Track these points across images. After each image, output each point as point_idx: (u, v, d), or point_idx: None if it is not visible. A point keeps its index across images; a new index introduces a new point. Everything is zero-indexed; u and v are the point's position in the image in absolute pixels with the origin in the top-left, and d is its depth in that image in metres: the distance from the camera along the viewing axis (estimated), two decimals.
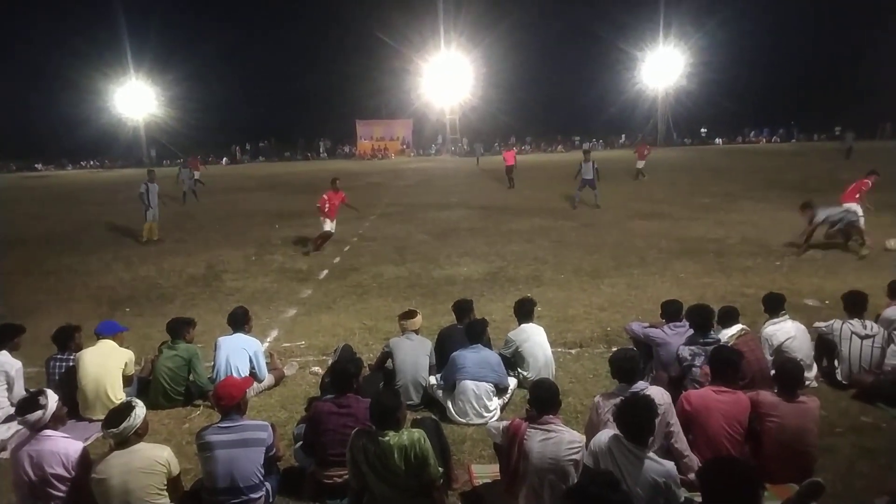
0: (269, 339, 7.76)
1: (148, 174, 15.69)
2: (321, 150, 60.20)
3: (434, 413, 5.50)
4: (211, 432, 4.06)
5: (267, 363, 6.37)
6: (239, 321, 6.26)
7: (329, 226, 13.01)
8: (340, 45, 56.60)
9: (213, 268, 11.80)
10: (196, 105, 52.61)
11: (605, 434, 3.64)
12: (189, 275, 11.33)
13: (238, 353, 6.02)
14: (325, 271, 11.30)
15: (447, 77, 53.53)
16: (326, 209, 12.92)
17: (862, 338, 5.76)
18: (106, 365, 5.71)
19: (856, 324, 5.85)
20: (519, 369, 6.06)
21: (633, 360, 4.40)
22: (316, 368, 6.66)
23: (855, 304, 5.97)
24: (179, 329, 6.10)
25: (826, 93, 53.17)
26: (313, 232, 15.13)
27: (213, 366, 6.09)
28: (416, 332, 5.98)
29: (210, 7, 63.24)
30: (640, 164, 25.93)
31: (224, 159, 55.35)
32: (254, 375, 6.07)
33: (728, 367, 4.47)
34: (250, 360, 6.06)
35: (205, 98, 53.09)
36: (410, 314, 6.06)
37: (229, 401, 4.14)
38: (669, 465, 3.52)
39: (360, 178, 32.04)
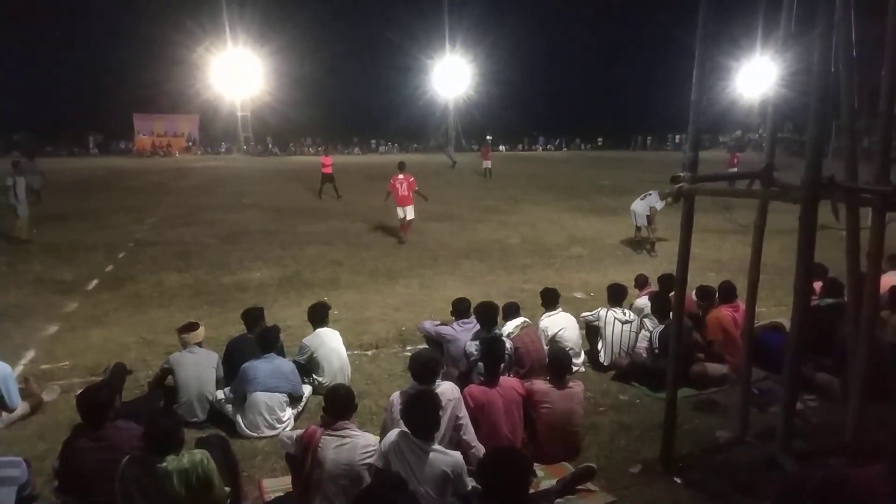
0: (23, 362, 6.77)
1: (14, 166, 13.91)
2: (91, 146, 53.74)
3: (222, 428, 5.19)
4: None
5: (21, 389, 5.54)
6: None
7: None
8: (112, 29, 50.88)
9: None
10: None
11: (394, 433, 3.72)
12: None
13: None
14: (95, 281, 10.12)
15: (237, 73, 50.85)
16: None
17: (622, 323, 6.59)
18: None
19: (617, 311, 6.69)
20: (314, 375, 5.96)
21: (434, 362, 4.52)
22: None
23: (616, 294, 6.85)
24: None
25: (589, 108, 60.18)
26: (71, 236, 13.56)
27: None
28: (200, 344, 5.60)
29: None
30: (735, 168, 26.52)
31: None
32: (2, 404, 5.24)
33: (497, 361, 4.87)
34: None
35: None
36: (191, 326, 5.65)
37: None
38: (456, 455, 3.69)
39: (138, 177, 29.24)
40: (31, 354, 7.04)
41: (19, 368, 6.48)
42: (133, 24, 48.97)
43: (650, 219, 12.44)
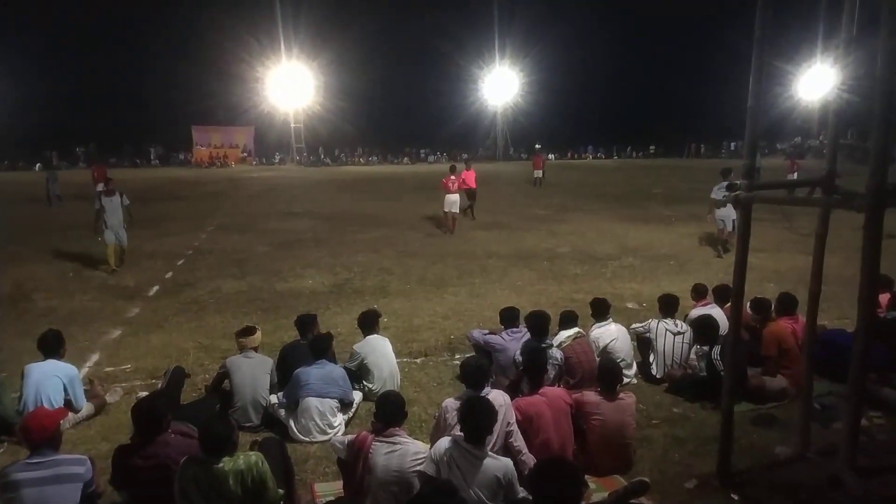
0: (88, 364, 7.05)
1: (105, 184, 11.98)
2: (152, 157, 55.97)
3: (275, 433, 5.30)
4: (17, 469, 3.62)
5: (86, 390, 5.79)
6: (50, 346, 5.60)
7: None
8: (174, 45, 52.83)
9: (21, 286, 10.49)
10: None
11: (444, 441, 3.74)
12: None
13: (50, 380, 5.39)
14: (156, 287, 10.51)
15: (290, 85, 52.18)
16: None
17: (675, 334, 6.44)
18: None
19: (669, 322, 6.54)
20: (364, 382, 6.03)
21: (483, 369, 4.57)
22: (144, 394, 6.15)
23: (668, 306, 6.71)
24: None
25: (641, 115, 59.19)
26: (133, 244, 14.07)
27: (21, 396, 5.41)
28: (256, 349, 5.74)
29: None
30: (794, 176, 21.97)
31: (38, 165, 49.31)
32: (69, 405, 5.48)
33: (537, 371, 4.85)
34: (65, 388, 5.47)
35: (9, 98, 47.09)
36: (249, 331, 5.80)
37: (41, 433, 3.72)
38: (507, 461, 3.72)
39: (196, 187, 30.29)
40: (95, 357, 7.34)
41: (85, 370, 6.75)
42: (192, 40, 50.78)
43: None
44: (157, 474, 3.76)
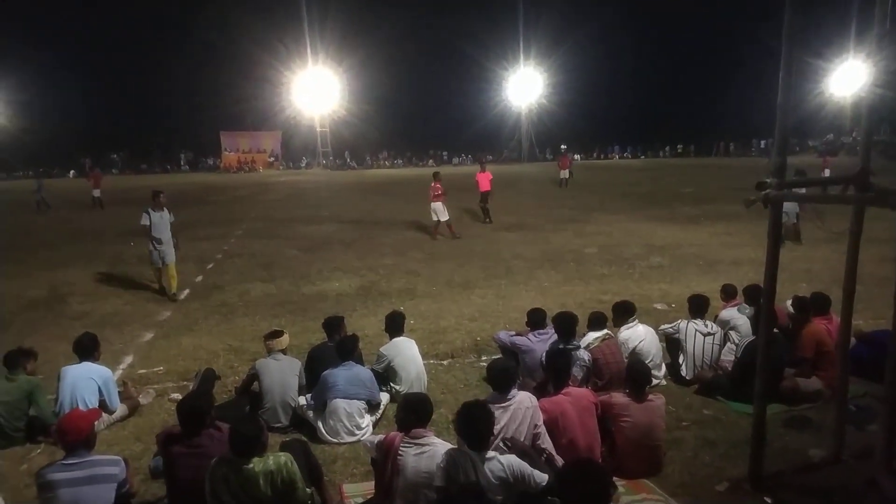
0: (122, 367, 7.20)
1: (154, 197, 10.41)
2: (182, 163, 57.02)
3: (304, 434, 5.36)
4: (54, 470, 3.71)
5: (119, 392, 5.91)
6: (86, 349, 5.73)
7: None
8: (203, 52, 53.78)
9: (56, 290, 10.78)
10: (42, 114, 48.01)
11: (450, 451, 3.68)
12: (29, 298, 10.27)
13: (85, 382, 5.51)
14: (186, 291, 10.68)
15: (316, 89, 52.73)
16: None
17: (704, 335, 6.35)
18: None
19: (699, 323, 6.45)
20: (391, 384, 6.05)
21: (510, 371, 4.52)
22: (175, 395, 6.26)
23: (698, 306, 6.60)
24: (17, 361, 5.54)
25: (668, 114, 58.52)
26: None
27: (57, 398, 5.55)
28: (284, 351, 5.80)
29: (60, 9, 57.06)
30: (826, 173, 21.50)
31: (72, 172, 50.63)
32: (104, 406, 5.60)
33: (559, 374, 4.79)
34: (99, 390, 5.59)
35: (44, 106, 48.52)
36: (276, 334, 5.87)
37: (76, 435, 3.80)
38: (509, 456, 3.67)
39: (225, 192, 30.74)
40: (129, 359, 7.49)
41: (119, 373, 6.89)
42: (220, 47, 51.67)
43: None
44: (199, 462, 3.80)
